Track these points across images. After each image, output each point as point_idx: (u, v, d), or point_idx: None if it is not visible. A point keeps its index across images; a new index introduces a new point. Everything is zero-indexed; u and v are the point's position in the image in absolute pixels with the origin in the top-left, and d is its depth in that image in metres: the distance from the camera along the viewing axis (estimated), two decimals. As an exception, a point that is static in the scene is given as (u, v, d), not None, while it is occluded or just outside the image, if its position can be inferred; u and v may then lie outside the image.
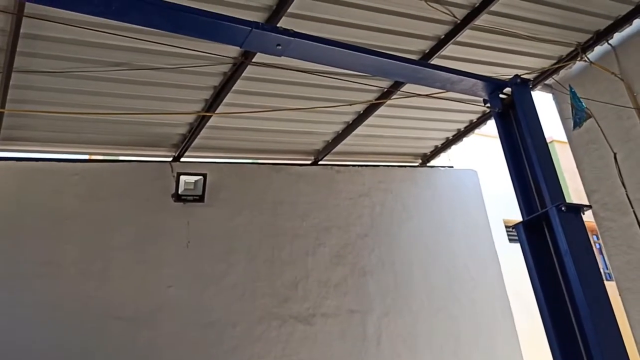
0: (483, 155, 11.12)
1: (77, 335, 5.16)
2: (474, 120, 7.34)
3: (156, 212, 5.97)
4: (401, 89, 6.00)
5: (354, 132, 6.79)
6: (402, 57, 3.30)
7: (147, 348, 5.39)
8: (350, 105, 5.60)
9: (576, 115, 5.11)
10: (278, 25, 3.81)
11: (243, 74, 5.22)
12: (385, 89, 6.07)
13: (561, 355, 3.09)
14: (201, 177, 6.01)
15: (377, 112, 6.45)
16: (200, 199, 6.04)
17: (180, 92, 5.37)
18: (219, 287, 5.99)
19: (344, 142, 6.95)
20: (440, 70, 3.42)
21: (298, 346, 6.09)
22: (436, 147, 7.92)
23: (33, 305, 5.08)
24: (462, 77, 3.45)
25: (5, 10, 3.96)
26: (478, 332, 7.26)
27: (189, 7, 2.73)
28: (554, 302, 3.22)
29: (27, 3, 3.87)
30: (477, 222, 8.18)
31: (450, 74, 3.41)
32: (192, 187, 6.00)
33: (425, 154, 8.07)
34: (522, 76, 3.63)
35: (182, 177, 5.94)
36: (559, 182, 3.34)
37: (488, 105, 3.79)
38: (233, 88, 5.38)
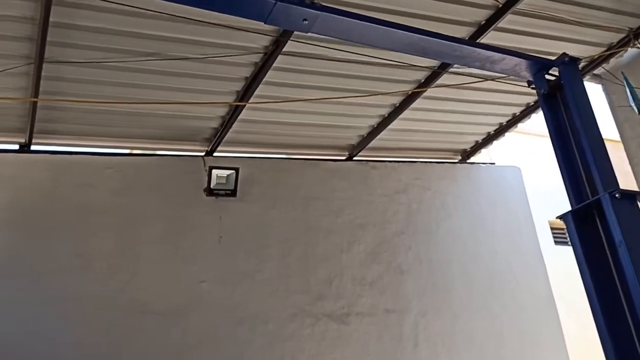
0: (525, 153, 10.67)
1: (106, 329, 5.10)
2: (517, 114, 7.02)
3: (188, 207, 5.89)
4: (438, 80, 5.77)
5: (389, 126, 6.57)
6: (438, 33, 3.08)
7: (178, 344, 5.30)
8: (387, 94, 5.38)
9: (636, 102, 4.76)
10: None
11: (274, 64, 5.09)
12: (422, 80, 5.85)
13: (616, 358, 2.81)
14: (233, 171, 5.90)
15: (414, 105, 6.22)
16: (233, 193, 5.93)
17: (211, 84, 5.27)
18: (251, 283, 5.86)
19: (379, 136, 6.74)
20: (480, 47, 3.19)
21: (332, 345, 5.90)
22: (476, 142, 7.62)
23: (63, 298, 5.04)
24: (504, 55, 3.21)
25: (34, -3, 3.92)
26: (521, 334, 6.92)
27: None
28: (607, 298, 2.95)
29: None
30: (521, 221, 7.83)
31: (491, 52, 3.19)
32: (224, 181, 5.89)
33: (465, 150, 7.78)
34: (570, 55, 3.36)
35: (214, 171, 5.84)
36: (612, 167, 3.07)
37: (533, 86, 3.53)
38: (264, 79, 5.25)
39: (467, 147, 7.70)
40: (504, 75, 5.64)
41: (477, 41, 5.13)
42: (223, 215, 5.97)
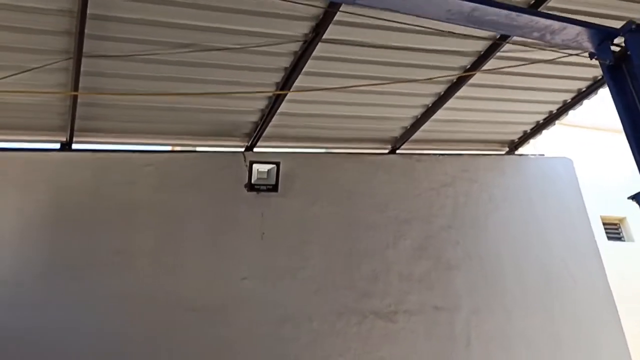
0: (572, 147, 10.17)
1: (147, 326, 5.03)
2: (568, 101, 6.68)
3: (229, 203, 5.79)
4: (484, 67, 5.51)
5: (433, 117, 6.33)
6: (495, 1, 2.86)
7: (219, 341, 5.18)
8: (432, 80, 5.15)
9: None
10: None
11: (314, 53, 4.93)
12: (468, 66, 5.59)
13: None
14: (274, 165, 5.77)
15: (459, 94, 5.97)
16: (274, 188, 5.79)
17: (250, 75, 5.16)
18: (294, 280, 5.70)
19: (422, 128, 6.51)
20: (539, 15, 2.95)
21: (379, 343, 5.68)
22: (525, 132, 7.28)
23: (105, 296, 5.00)
24: (565, 24, 2.96)
25: (71, -12, 3.87)
26: (580, 334, 6.55)
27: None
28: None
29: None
30: (574, 214, 7.45)
31: (551, 20, 2.95)
32: (265, 176, 5.77)
33: (512, 141, 7.45)
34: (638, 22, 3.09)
35: (255, 166, 5.72)
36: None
37: (596, 58, 3.26)
38: (304, 69, 5.11)
39: (515, 137, 7.37)
40: (554, 58, 5.38)
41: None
42: (265, 211, 5.84)
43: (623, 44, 3.14)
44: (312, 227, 6.01)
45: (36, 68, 4.47)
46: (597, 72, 6.18)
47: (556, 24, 2.98)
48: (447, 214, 6.69)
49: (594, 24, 3.16)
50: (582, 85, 6.38)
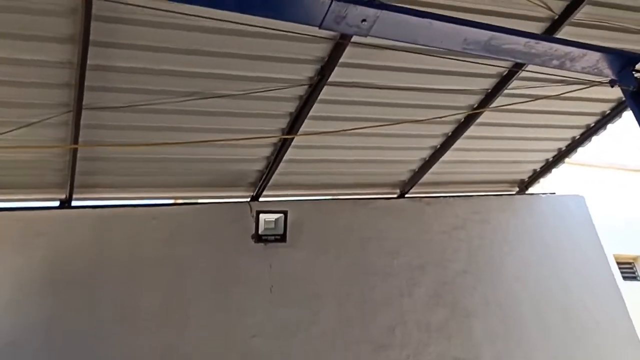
0: (582, 186, 10.02)
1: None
2: (577, 137, 6.55)
3: (237, 255, 5.55)
4: (492, 104, 5.41)
5: (442, 159, 6.19)
6: (511, 28, 2.75)
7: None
8: (439, 120, 5.03)
9: None
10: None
11: (319, 97, 4.82)
12: (475, 105, 5.49)
13: None
14: (282, 214, 5.57)
15: (467, 134, 5.85)
16: (282, 238, 5.57)
17: (255, 122, 5.03)
18: (307, 335, 5.40)
19: (431, 170, 6.35)
20: (559, 43, 2.83)
21: (400, 399, 5.34)
22: (534, 171, 7.14)
23: (111, 355, 4.69)
24: (585, 50, 2.84)
25: (71, 39, 3.77)
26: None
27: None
28: None
29: (92, 30, 3.67)
30: (591, 253, 7.21)
31: (571, 47, 2.82)
32: (272, 226, 5.56)
33: (522, 180, 7.29)
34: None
35: (262, 216, 5.52)
36: None
37: (618, 85, 3.12)
38: (310, 114, 4.99)
39: (525, 177, 7.22)
40: (562, 93, 5.29)
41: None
42: (273, 262, 5.60)
43: (647, 69, 3.01)
44: (323, 278, 5.75)
45: (35, 123, 4.33)
46: (605, 107, 6.11)
47: (576, 51, 2.86)
48: (462, 258, 6.45)
49: (615, 49, 3.05)
50: (591, 120, 6.28)
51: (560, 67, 2.94)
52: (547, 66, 2.94)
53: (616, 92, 5.82)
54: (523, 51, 2.79)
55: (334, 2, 2.38)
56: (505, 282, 6.50)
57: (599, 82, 4.22)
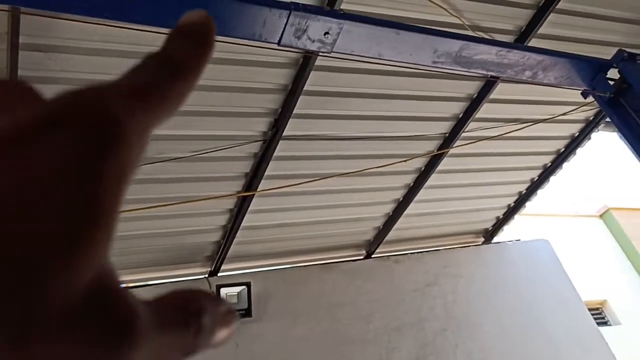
0: (544, 233, 9.99)
1: None
2: (535, 178, 6.51)
3: (197, 338, 4.98)
4: (453, 145, 5.29)
5: (405, 212, 5.96)
6: (483, 37, 2.61)
7: None
8: (406, 161, 4.83)
9: None
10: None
11: (275, 153, 4.55)
12: (435, 151, 5.36)
13: None
14: (244, 286, 5.12)
15: (428, 183, 5.69)
16: (247, 313, 5.09)
17: (210, 187, 4.67)
18: (285, 420, 4.82)
19: (396, 226, 6.10)
20: (531, 51, 2.70)
21: None
22: (498, 218, 7.01)
23: None
24: (557, 58, 2.71)
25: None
26: None
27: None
28: None
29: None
30: (566, 297, 7.02)
31: (543, 55, 2.70)
32: (235, 300, 5.08)
33: (487, 230, 7.13)
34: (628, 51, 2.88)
35: (223, 290, 5.05)
36: None
37: (591, 96, 3.00)
38: (266, 173, 4.69)
39: (489, 225, 7.07)
40: (520, 127, 5.25)
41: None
42: (240, 341, 5.06)
43: (618, 75, 2.91)
44: (296, 351, 5.23)
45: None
46: (560, 145, 6.12)
47: (548, 59, 2.73)
48: (439, 316, 6.08)
49: (586, 56, 2.95)
50: (547, 160, 6.27)
51: (533, 78, 2.80)
52: (519, 78, 2.79)
53: (569, 129, 5.88)
54: (495, 62, 2.63)
55: (292, 14, 2.15)
56: (487, 338, 6.14)
57: (550, 118, 4.17)
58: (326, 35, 2.27)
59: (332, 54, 2.42)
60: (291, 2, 2.18)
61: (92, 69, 3.44)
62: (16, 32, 3.10)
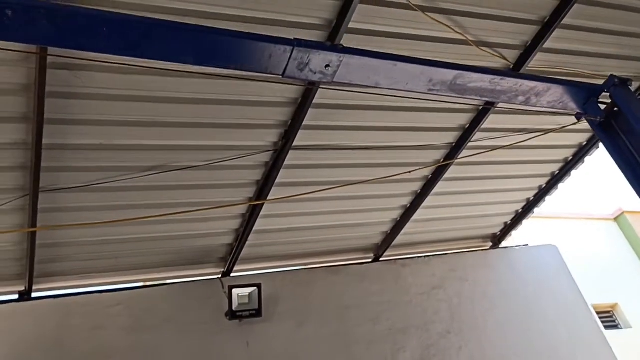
0: (554, 237, 10.06)
1: None
2: (543, 186, 6.63)
3: (211, 335, 5.23)
4: (459, 156, 5.44)
5: (413, 218, 6.14)
6: (477, 66, 2.77)
7: None
8: (410, 172, 5.00)
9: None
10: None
11: (285, 162, 4.75)
12: (441, 159, 5.51)
13: None
14: (255, 287, 5.34)
15: (435, 190, 5.84)
16: (258, 313, 5.31)
17: (221, 193, 4.90)
18: (292, 416, 5.05)
19: (403, 230, 6.27)
20: (523, 78, 2.85)
21: None
22: (505, 224, 7.15)
23: None
24: (549, 84, 2.87)
25: (25, 117, 3.64)
26: None
27: (215, 28, 2.31)
28: None
29: (47, 107, 3.56)
30: (572, 303, 7.12)
31: (535, 82, 2.85)
32: (246, 300, 5.30)
33: (494, 235, 7.27)
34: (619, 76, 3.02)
35: (235, 291, 5.27)
36: None
37: (584, 119, 3.15)
38: (277, 181, 4.89)
39: (497, 230, 7.21)
40: (525, 139, 5.37)
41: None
42: (250, 340, 5.30)
43: (610, 100, 3.05)
44: (304, 351, 5.45)
45: (-12, 210, 4.11)
46: (568, 153, 6.22)
47: (540, 85, 2.88)
48: (444, 318, 6.25)
49: (578, 82, 3.10)
50: (555, 168, 6.38)
51: (527, 103, 2.96)
52: (513, 103, 2.95)
53: (576, 138, 5.98)
54: (489, 89, 2.80)
55: (295, 49, 2.35)
56: (491, 341, 6.30)
57: (557, 128, 4.29)
58: (327, 68, 2.47)
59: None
60: (294, 39, 2.38)
61: (112, 85, 3.68)
62: (44, 52, 3.34)
